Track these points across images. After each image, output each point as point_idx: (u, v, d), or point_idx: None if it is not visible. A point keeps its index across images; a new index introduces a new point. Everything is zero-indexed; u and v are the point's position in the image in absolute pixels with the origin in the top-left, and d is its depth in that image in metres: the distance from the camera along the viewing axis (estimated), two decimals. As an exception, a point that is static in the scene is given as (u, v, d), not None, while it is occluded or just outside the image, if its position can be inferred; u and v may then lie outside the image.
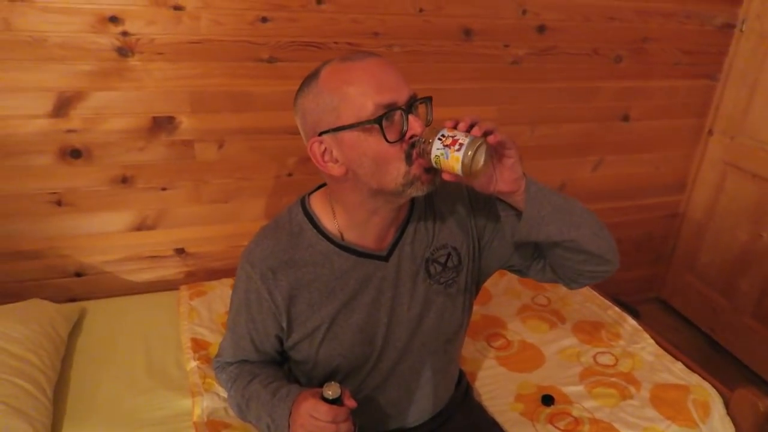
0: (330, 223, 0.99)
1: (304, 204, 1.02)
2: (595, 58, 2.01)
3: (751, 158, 2.18)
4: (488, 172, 0.89)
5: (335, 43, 1.66)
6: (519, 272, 1.11)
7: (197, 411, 1.27)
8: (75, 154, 1.55)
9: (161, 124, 1.59)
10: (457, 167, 0.81)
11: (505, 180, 0.89)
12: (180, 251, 1.78)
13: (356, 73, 0.85)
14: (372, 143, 0.86)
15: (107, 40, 1.46)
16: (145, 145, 1.60)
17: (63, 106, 1.49)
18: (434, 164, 0.84)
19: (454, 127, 0.84)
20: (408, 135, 0.86)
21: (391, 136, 0.85)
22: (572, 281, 1.04)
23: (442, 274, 1.04)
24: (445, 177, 0.86)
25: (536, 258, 1.07)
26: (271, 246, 0.98)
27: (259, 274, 0.97)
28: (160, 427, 1.24)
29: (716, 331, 2.37)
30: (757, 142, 2.15)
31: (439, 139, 0.82)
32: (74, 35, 1.43)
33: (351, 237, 0.99)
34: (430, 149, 0.83)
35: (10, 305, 1.47)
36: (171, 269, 1.80)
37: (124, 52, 1.48)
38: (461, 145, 0.80)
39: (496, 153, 0.86)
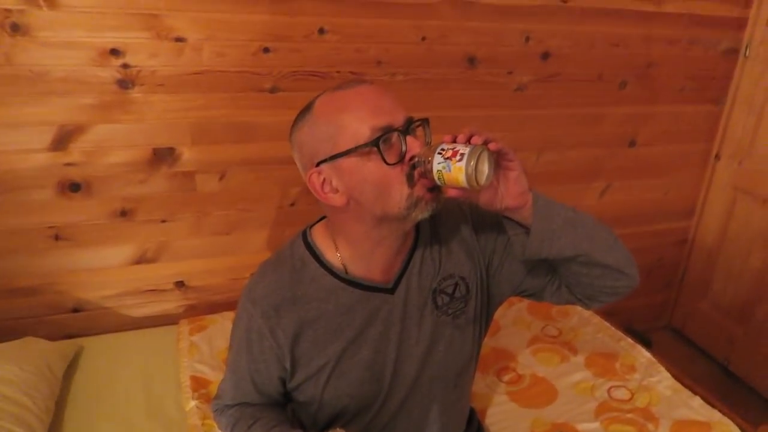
0: (333, 256, 0.95)
1: (306, 237, 0.98)
2: (600, 84, 1.99)
3: (761, 183, 2.15)
4: (493, 186, 0.84)
5: (338, 72, 1.65)
6: (533, 296, 1.04)
7: (196, 455, 1.22)
8: (74, 187, 1.52)
9: (162, 156, 1.57)
10: (462, 178, 0.77)
11: (511, 194, 0.84)
12: (180, 284, 1.74)
13: (350, 100, 0.84)
14: (372, 168, 0.83)
15: (108, 72, 1.45)
16: (145, 177, 1.58)
17: (63, 139, 1.47)
18: (437, 180, 0.81)
19: (453, 141, 0.81)
20: (408, 156, 0.84)
21: (390, 159, 0.82)
22: (591, 300, 0.97)
23: (450, 305, 1.00)
24: (450, 193, 0.83)
25: (550, 279, 1.00)
26: (274, 282, 0.94)
27: (261, 312, 0.93)
28: (158, 473, 1.19)
29: (732, 362, 2.30)
30: (766, 167, 2.12)
31: (439, 153, 0.79)
32: (75, 68, 1.42)
33: (355, 270, 0.95)
34: (431, 166, 0.80)
35: (4, 344, 1.42)
36: (171, 303, 1.75)
37: (125, 84, 1.47)
38: (462, 155, 0.77)
39: (498, 165, 0.83)
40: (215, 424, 1.27)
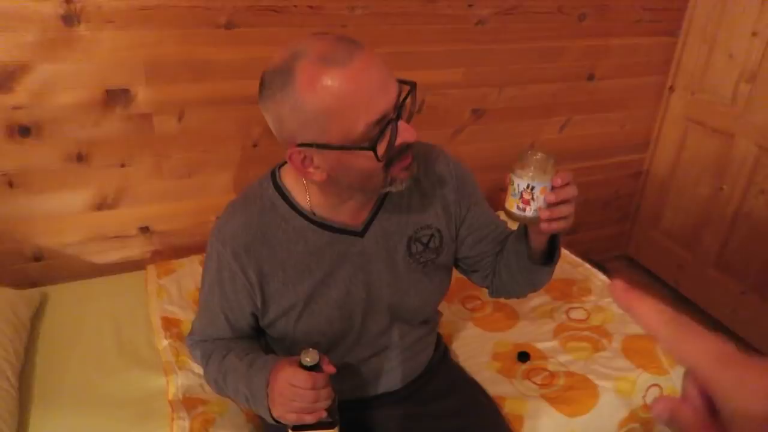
0: (303, 199, 0.96)
1: (275, 178, 0.98)
2: (560, 17, 2.00)
3: (711, 113, 2.22)
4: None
5: (295, 6, 1.60)
6: (462, 270, 1.16)
7: (172, 389, 1.24)
8: (24, 131, 1.46)
9: (115, 97, 1.52)
10: (509, 209, 0.86)
11: (537, 238, 0.95)
12: (145, 230, 1.72)
13: (342, 86, 0.77)
14: (362, 161, 0.83)
15: (50, 8, 1.37)
16: (99, 119, 1.53)
17: (6, 80, 1.40)
18: (508, 180, 0.86)
19: (553, 187, 0.84)
20: (398, 143, 0.83)
21: (381, 150, 0.82)
22: (498, 295, 1.14)
23: (422, 254, 1.03)
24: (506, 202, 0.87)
25: (487, 274, 1.12)
26: (242, 222, 0.95)
27: (231, 252, 0.94)
28: (135, 407, 1.21)
29: (681, 284, 2.44)
30: (717, 97, 2.19)
31: (528, 186, 0.83)
32: (14, 3, 1.34)
33: (324, 213, 0.96)
34: (518, 178, 0.84)
35: (-34, 293, 1.40)
36: (136, 249, 1.74)
37: (69, 20, 1.40)
38: (525, 209, 0.85)
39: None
40: (189, 359, 1.30)
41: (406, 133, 0.83)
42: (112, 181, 1.62)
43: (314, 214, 0.96)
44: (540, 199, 0.84)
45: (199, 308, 1.07)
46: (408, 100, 0.85)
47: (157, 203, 1.70)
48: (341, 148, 0.81)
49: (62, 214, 1.60)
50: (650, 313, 0.39)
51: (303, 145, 0.82)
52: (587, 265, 1.75)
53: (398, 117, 0.82)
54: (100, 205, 1.63)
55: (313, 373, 0.84)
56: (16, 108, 1.43)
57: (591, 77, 2.18)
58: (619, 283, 0.41)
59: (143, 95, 1.55)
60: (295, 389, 0.83)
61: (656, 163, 2.49)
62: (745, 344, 2.09)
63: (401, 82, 0.84)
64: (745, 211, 2.14)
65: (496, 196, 2.05)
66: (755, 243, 2.12)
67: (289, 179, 0.97)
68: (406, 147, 0.85)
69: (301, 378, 0.83)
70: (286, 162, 0.99)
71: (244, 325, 1.02)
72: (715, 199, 2.24)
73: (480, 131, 2.06)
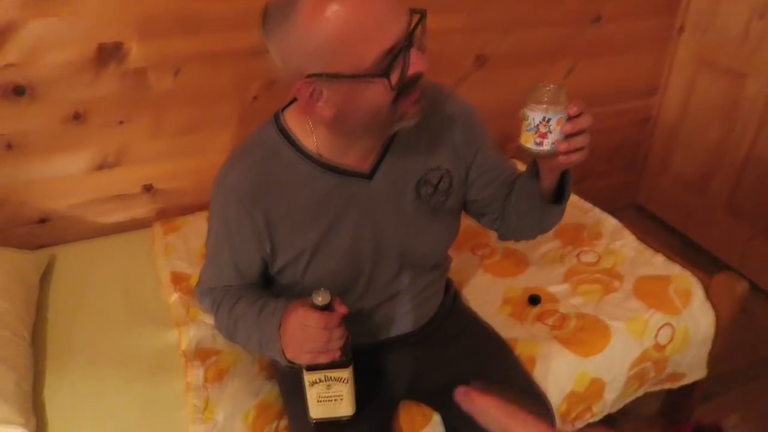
0: (308, 141, 0.92)
1: (278, 121, 0.95)
2: (564, -45, 1.92)
3: (721, 53, 2.15)
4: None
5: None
6: (471, 214, 1.14)
7: (185, 341, 1.25)
8: (18, 91, 1.43)
9: (109, 53, 1.48)
10: (525, 144, 0.83)
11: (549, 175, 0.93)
12: (148, 188, 1.71)
13: (351, 12, 0.73)
14: (372, 93, 0.80)
15: (36, -41, 1.32)
16: (94, 77, 1.49)
17: (-3, 37, 1.36)
18: (520, 116, 0.82)
19: (570, 117, 0.81)
20: (410, 72, 0.79)
21: (393, 80, 0.78)
22: (506, 237, 1.14)
23: (432, 197, 1.01)
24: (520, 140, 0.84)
25: (497, 217, 1.10)
26: (246, 169, 0.92)
27: (236, 200, 0.92)
28: (149, 360, 1.22)
29: (690, 230, 2.42)
30: (727, 36, 2.12)
31: (543, 119, 0.80)
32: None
33: (331, 156, 0.93)
34: (532, 111, 0.80)
35: (-27, 255, 1.40)
36: (141, 208, 1.73)
37: (57, -28, 1.35)
38: (542, 143, 0.82)
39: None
40: (200, 312, 1.31)
41: (419, 62, 0.80)
42: (111, 141, 1.59)
43: (321, 156, 0.93)
44: (556, 131, 0.81)
45: (206, 258, 1.05)
46: (419, 30, 0.81)
47: (159, 162, 1.68)
48: (353, 77, 0.78)
49: (64, 175, 1.58)
50: (491, 407, 0.50)
51: (312, 76, 0.79)
52: (597, 210, 1.73)
53: (410, 45, 0.79)
54: (102, 165, 1.61)
55: (326, 312, 0.83)
56: (7, 66, 1.40)
57: (597, 19, 2.11)
58: (461, 389, 0.54)
59: (137, 51, 1.50)
60: (308, 330, 0.83)
61: (665, 108, 2.44)
62: (754, 287, 2.08)
63: (412, 11, 0.80)
64: (756, 154, 2.10)
65: (503, 146, 2.02)
66: (767, 186, 2.08)
67: (294, 122, 0.94)
68: (416, 79, 0.82)
69: (314, 318, 0.82)
70: (288, 105, 0.96)
71: (254, 272, 1.01)
72: (726, 142, 2.20)
73: (484, 79, 2.01)
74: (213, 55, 1.59)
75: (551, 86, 0.80)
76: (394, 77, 0.78)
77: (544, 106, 0.80)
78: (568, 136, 0.81)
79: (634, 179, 2.66)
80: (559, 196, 0.99)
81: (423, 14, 0.80)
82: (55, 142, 1.53)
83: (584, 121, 0.82)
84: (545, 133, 0.81)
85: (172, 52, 1.55)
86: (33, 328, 1.26)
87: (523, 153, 0.85)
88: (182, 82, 1.59)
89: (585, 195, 1.83)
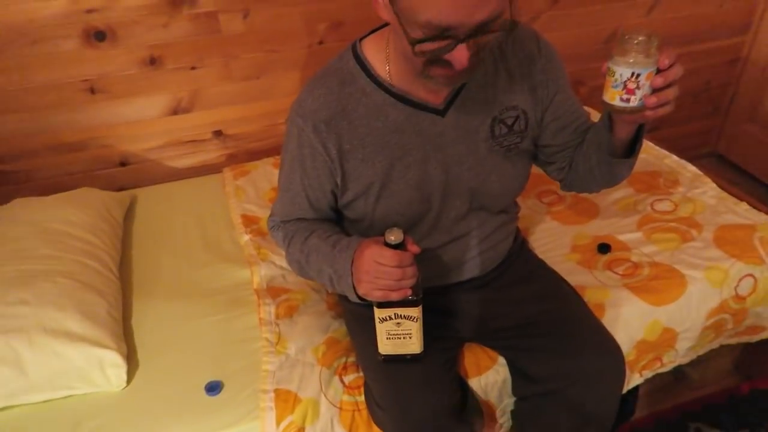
0: (383, 69, 0.92)
1: (355, 50, 0.94)
2: None
3: (831, -17, 1.94)
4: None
5: None
6: (539, 161, 1.11)
7: (256, 279, 1.30)
8: (99, 36, 1.49)
9: (181, -5, 1.50)
10: (610, 101, 0.79)
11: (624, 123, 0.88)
12: (218, 134, 1.76)
13: None
14: (403, 40, 0.77)
15: None
16: (168, 20, 1.53)
17: (77, -18, 1.41)
18: (605, 70, 0.78)
19: (659, 69, 0.75)
20: (443, 57, 0.76)
21: (419, 49, 0.76)
22: (571, 189, 1.12)
23: (506, 137, 0.99)
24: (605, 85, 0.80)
25: (564, 166, 1.08)
26: (323, 96, 0.93)
27: (312, 126, 0.93)
28: (224, 296, 1.29)
29: (778, 181, 2.26)
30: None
31: (632, 75, 0.75)
32: None
33: (404, 85, 0.92)
34: (620, 66, 0.76)
35: (63, 194, 1.50)
36: (211, 153, 1.79)
37: None
38: (629, 99, 0.77)
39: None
40: (270, 252, 1.35)
41: (457, 59, 0.76)
42: (184, 85, 1.64)
43: (393, 86, 0.92)
44: (645, 85, 0.76)
45: (279, 188, 1.07)
46: (491, 37, 0.76)
47: (228, 107, 1.72)
48: (396, 14, 0.76)
49: (141, 119, 1.65)
50: None
51: None
52: (674, 157, 1.63)
53: (467, 38, 0.74)
54: (176, 110, 1.67)
55: (399, 251, 0.84)
56: (89, 11, 1.45)
57: (686, -52, 1.94)
58: None
59: (207, -8, 1.52)
60: (382, 267, 0.84)
61: (757, 48, 2.23)
62: None
63: (510, 22, 0.75)
64: None
65: (576, 90, 1.93)
66: None
67: (371, 50, 0.93)
68: (446, 62, 0.78)
69: (388, 255, 0.83)
70: (368, 35, 0.95)
71: (324, 205, 1.02)
72: (826, 83, 2.00)
73: (557, 18, 1.91)
74: (280, -4, 1.59)
75: (642, 37, 0.74)
76: (424, 46, 0.76)
77: (634, 59, 0.75)
78: (656, 90, 0.77)
79: (717, 126, 2.49)
80: (631, 149, 0.94)
81: (509, 29, 0.75)
82: (132, 87, 1.59)
83: (675, 73, 0.77)
84: (633, 89, 0.77)
85: (241, -6, 1.56)
86: (119, 262, 1.35)
87: (608, 109, 0.81)
88: (251, 25, 1.60)
89: (662, 142, 1.73)
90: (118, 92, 1.58)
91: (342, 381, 1.08)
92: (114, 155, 1.69)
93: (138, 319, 1.24)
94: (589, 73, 2.04)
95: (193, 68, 1.61)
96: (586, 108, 1.60)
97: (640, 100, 0.77)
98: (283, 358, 1.12)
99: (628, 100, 0.78)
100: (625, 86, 0.77)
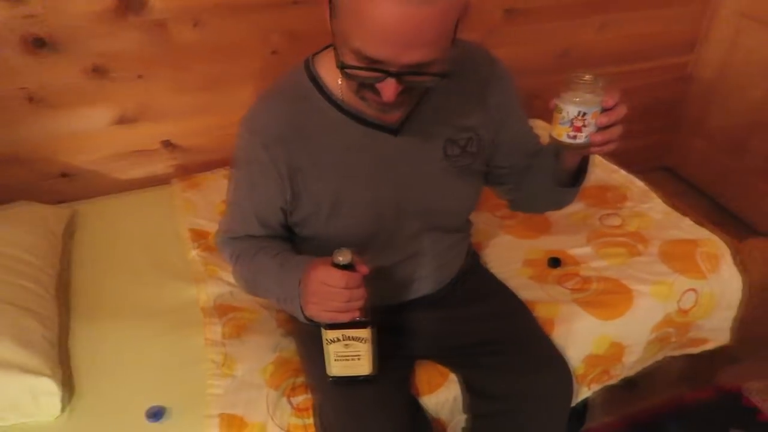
0: (336, 87, 0.90)
1: (308, 66, 0.92)
2: None
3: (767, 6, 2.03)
4: None
5: None
6: (488, 181, 1.10)
7: (203, 297, 1.26)
8: (38, 43, 1.42)
9: (128, 3, 1.45)
10: (558, 137, 0.81)
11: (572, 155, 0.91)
12: (167, 144, 1.70)
13: (371, 8, 0.68)
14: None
15: None
16: (114, 29, 1.47)
17: (15, -13, 1.34)
18: (553, 107, 0.80)
19: (604, 110, 0.78)
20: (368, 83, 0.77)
21: (348, 74, 0.77)
22: (518, 209, 1.18)
23: (459, 158, 0.99)
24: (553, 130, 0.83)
25: (512, 187, 1.09)
26: (274, 112, 0.91)
27: (261, 143, 0.90)
28: (169, 315, 1.24)
29: (723, 195, 2.34)
30: (775, -13, 1.99)
31: (579, 113, 0.78)
32: None
33: (357, 104, 0.89)
34: (567, 104, 0.78)
35: (-2, 208, 1.42)
36: (160, 164, 1.73)
37: None
38: (576, 136, 0.79)
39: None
40: (219, 269, 1.32)
41: (385, 91, 0.76)
42: (131, 95, 1.58)
43: (346, 104, 0.90)
44: (592, 123, 0.79)
45: (228, 204, 1.04)
46: (420, 79, 0.76)
47: (179, 117, 1.67)
48: (333, 33, 0.77)
49: (85, 130, 1.59)
50: None
51: None
52: (623, 172, 1.68)
53: (396, 75, 0.74)
54: (122, 120, 1.61)
55: (347, 272, 0.82)
56: (28, 17, 1.38)
57: (634, -31, 1.99)
58: None
59: (157, 1, 1.47)
60: (329, 288, 0.82)
61: (703, 65, 2.32)
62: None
63: (437, 75, 0.76)
64: (799, 114, 2.00)
65: (530, 104, 1.95)
66: (807, 147, 1.99)
67: (324, 67, 0.91)
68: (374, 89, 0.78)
69: (335, 277, 0.82)
70: (321, 51, 0.94)
71: (274, 222, 0.99)
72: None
73: (513, 33, 1.93)
74: (232, 6, 1.55)
75: (587, 77, 0.78)
76: (353, 73, 0.76)
77: (581, 99, 0.78)
78: (602, 128, 0.79)
79: (667, 140, 2.56)
80: (576, 177, 0.97)
81: (442, 75, 0.76)
82: (75, 96, 1.53)
83: (620, 112, 0.80)
84: (580, 127, 0.79)
85: (192, 2, 1.51)
86: (57, 282, 1.29)
87: (556, 144, 0.83)
88: (202, 35, 1.56)
89: (612, 157, 1.77)
90: (60, 102, 1.52)
91: (290, 403, 1.05)
92: (55, 167, 1.61)
93: (77, 342, 1.18)
94: (544, 87, 2.07)
95: (140, 77, 1.56)
96: (539, 121, 1.63)
97: (587, 137, 0.80)
98: (230, 380, 1.09)
99: (575, 137, 0.80)
100: (572, 124, 0.79)
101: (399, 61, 0.72)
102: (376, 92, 0.78)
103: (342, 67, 0.76)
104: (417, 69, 0.74)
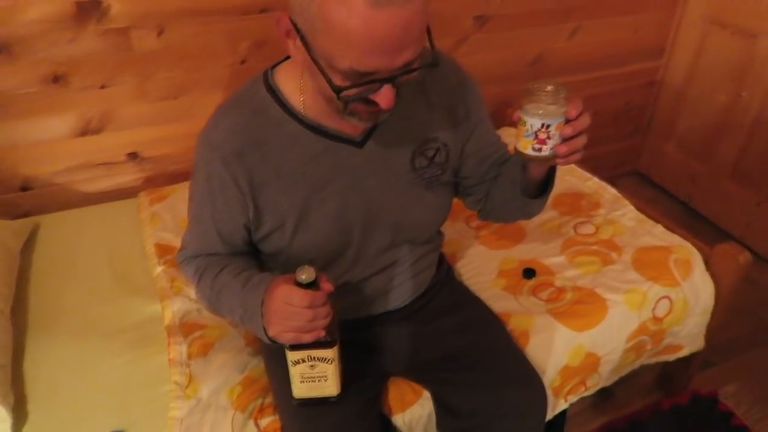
0: (296, 100, 0.87)
1: (267, 78, 0.89)
2: None
3: (734, 12, 2.06)
4: None
5: None
6: (457, 192, 1.09)
7: (168, 314, 1.22)
8: (-7, 51, 1.37)
9: (87, 10, 1.40)
10: (523, 150, 0.80)
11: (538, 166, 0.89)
12: (133, 156, 1.65)
13: (356, 22, 0.66)
14: (324, 81, 0.74)
15: None
16: (73, 36, 1.42)
17: (-34, -6, 1.29)
18: (516, 119, 0.79)
19: (568, 120, 0.77)
20: (369, 97, 0.75)
21: (345, 93, 0.74)
22: (488, 219, 1.12)
23: (427, 169, 0.96)
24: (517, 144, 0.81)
25: (481, 198, 1.07)
26: (232, 126, 0.87)
27: (220, 158, 0.87)
28: (132, 333, 1.19)
29: (693, 198, 2.37)
30: (741, -6, 2.02)
31: (542, 126, 0.76)
32: None
33: (318, 117, 0.88)
34: (530, 117, 0.76)
35: (-50, 224, 1.36)
36: (126, 176, 1.67)
37: None
38: (540, 149, 0.78)
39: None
40: (185, 286, 1.27)
41: (384, 99, 0.74)
42: (93, 105, 1.53)
43: (307, 117, 0.88)
44: (556, 135, 0.78)
45: (189, 221, 1.00)
46: (414, 74, 0.75)
47: (144, 127, 1.62)
48: (314, 60, 0.73)
49: (45, 140, 1.53)
50: None
51: (293, 21, 0.74)
52: (596, 179, 1.67)
53: (391, 79, 0.73)
54: (84, 131, 1.55)
55: (310, 291, 0.79)
56: (-20, 25, 1.33)
57: (603, -24, 2.01)
58: None
59: (118, 7, 1.42)
60: (292, 308, 0.79)
61: (671, 71, 2.35)
62: (758, 257, 2.04)
63: (432, 57, 0.75)
64: (766, 118, 2.02)
65: (501, 111, 1.95)
66: (775, 151, 2.02)
67: (283, 80, 0.88)
68: (370, 100, 0.77)
69: (298, 296, 0.78)
70: (280, 62, 0.91)
71: (237, 239, 0.96)
72: (734, 106, 2.12)
73: (484, 40, 1.92)
74: (198, 12, 1.51)
75: (549, 87, 0.76)
76: (349, 91, 0.74)
77: (543, 110, 0.76)
78: (566, 139, 0.78)
79: (637, 145, 2.59)
80: (544, 186, 0.96)
81: (432, 65, 0.76)
82: (34, 105, 1.47)
83: (584, 122, 0.79)
84: (544, 139, 0.78)
85: (155, 9, 1.47)
86: (13, 300, 1.23)
87: (521, 157, 0.82)
88: (166, 43, 1.52)
89: (584, 162, 1.77)
90: (18, 111, 1.46)
91: (257, 425, 1.01)
92: (14, 179, 1.55)
93: (31, 363, 1.12)
94: (516, 95, 2.07)
95: (102, 87, 1.51)
96: (512, 129, 1.62)
97: (552, 149, 0.79)
98: (194, 402, 1.04)
99: (539, 150, 0.79)
100: (536, 136, 0.78)
101: (393, 65, 0.71)
102: (369, 103, 0.76)
103: (338, 91, 0.73)
104: (407, 67, 0.73)
